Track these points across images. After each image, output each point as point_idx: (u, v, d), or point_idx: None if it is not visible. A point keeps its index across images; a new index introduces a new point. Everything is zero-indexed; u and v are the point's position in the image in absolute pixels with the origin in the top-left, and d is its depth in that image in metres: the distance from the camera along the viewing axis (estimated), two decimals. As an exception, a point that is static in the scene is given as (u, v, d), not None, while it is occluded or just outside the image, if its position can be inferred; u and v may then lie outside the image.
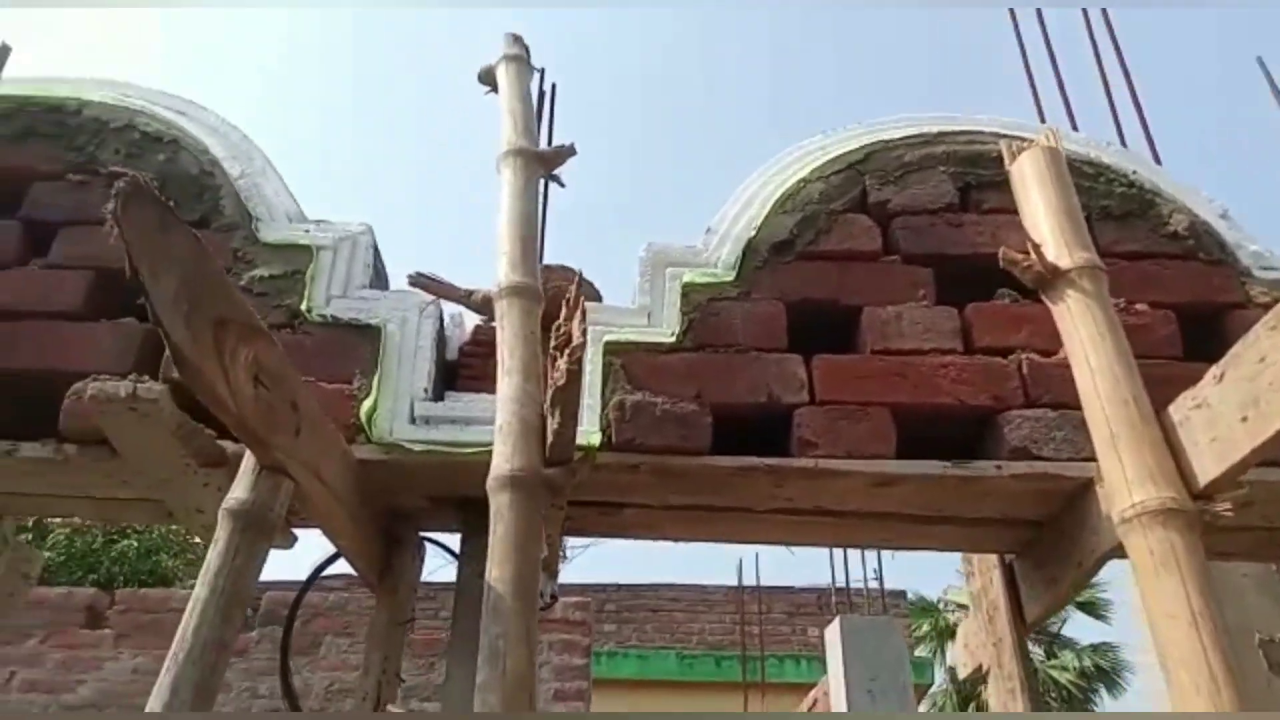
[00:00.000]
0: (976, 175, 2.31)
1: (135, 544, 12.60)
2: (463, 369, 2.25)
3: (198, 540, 10.67)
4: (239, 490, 1.55)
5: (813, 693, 8.86)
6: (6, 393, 2.04)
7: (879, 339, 2.08)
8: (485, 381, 2.23)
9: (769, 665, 11.36)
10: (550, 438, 1.50)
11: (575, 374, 1.33)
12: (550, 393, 1.39)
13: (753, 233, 2.22)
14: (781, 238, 2.22)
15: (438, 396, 2.09)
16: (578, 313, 1.33)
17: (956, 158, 2.34)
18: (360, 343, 2.08)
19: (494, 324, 1.92)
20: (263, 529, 1.54)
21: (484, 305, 1.75)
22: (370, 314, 2.11)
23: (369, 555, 2.09)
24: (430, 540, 2.32)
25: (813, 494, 1.99)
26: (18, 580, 2.50)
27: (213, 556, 1.49)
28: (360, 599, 6.58)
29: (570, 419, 1.44)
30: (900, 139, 2.36)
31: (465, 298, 1.79)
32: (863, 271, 2.18)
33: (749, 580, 11.69)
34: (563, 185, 2.13)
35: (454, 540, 2.39)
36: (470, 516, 2.14)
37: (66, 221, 2.24)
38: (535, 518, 1.49)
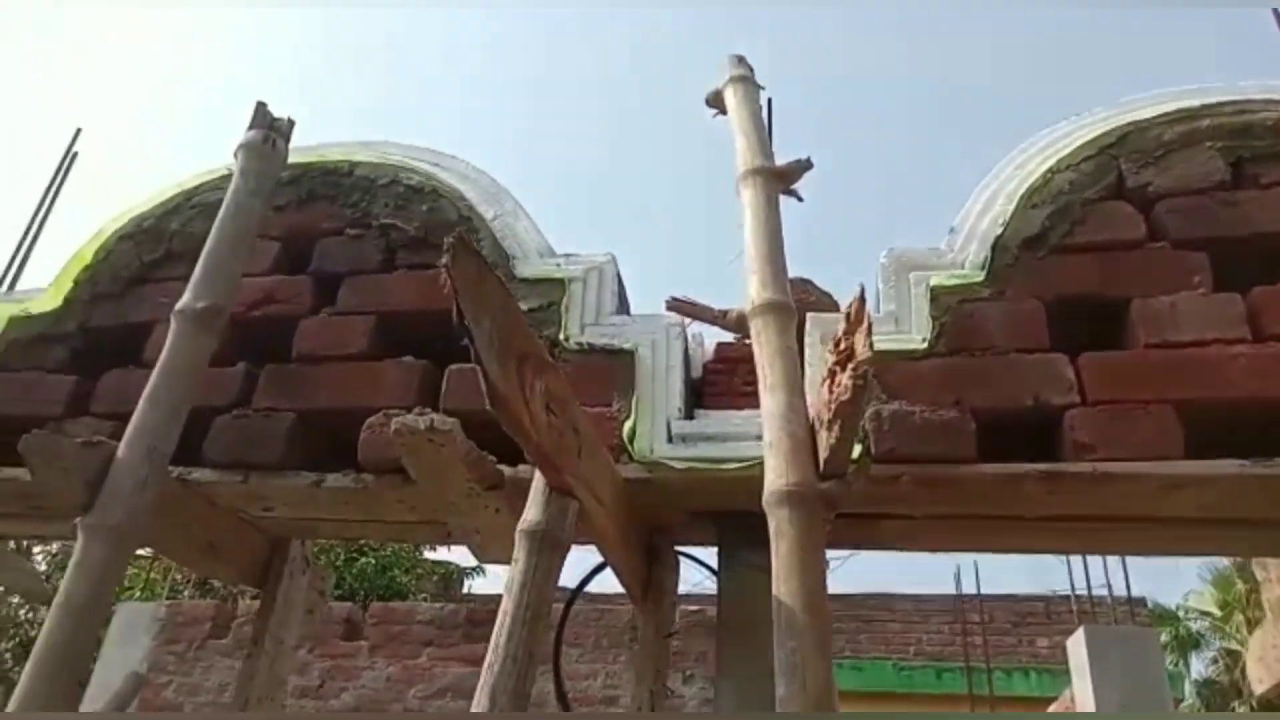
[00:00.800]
0: (1250, 147, 2.13)
1: (373, 561, 13.59)
2: (708, 386, 2.31)
3: (428, 556, 11.40)
4: (532, 512, 1.66)
5: (1052, 708, 8.35)
6: (310, 429, 2.29)
7: (1153, 332, 1.95)
8: (731, 398, 2.28)
9: (995, 678, 10.79)
10: (826, 451, 1.51)
11: (861, 388, 1.34)
12: (834, 406, 1.40)
13: (1000, 230, 2.15)
14: (1032, 232, 2.13)
15: (688, 415, 2.16)
16: (862, 326, 1.34)
17: (1224, 131, 2.17)
18: (615, 366, 2.18)
19: (745, 342, 1.96)
20: (556, 546, 1.64)
21: (738, 324, 1.79)
22: (623, 339, 2.20)
23: (633, 569, 2.18)
24: (685, 555, 2.39)
25: (1090, 500, 1.89)
26: (315, 597, 2.79)
27: (514, 574, 1.61)
28: (585, 611, 6.84)
29: (850, 433, 1.45)
30: (1156, 117, 2.22)
31: (719, 318, 1.84)
32: (1127, 261, 2.06)
33: (968, 588, 11.16)
34: (800, 199, 2.15)
35: (704, 553, 2.46)
36: (727, 531, 2.19)
37: (349, 272, 2.48)
38: (817, 532, 1.51)
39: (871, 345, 1.32)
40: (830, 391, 1.42)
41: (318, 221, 2.60)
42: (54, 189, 3.36)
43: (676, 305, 1.87)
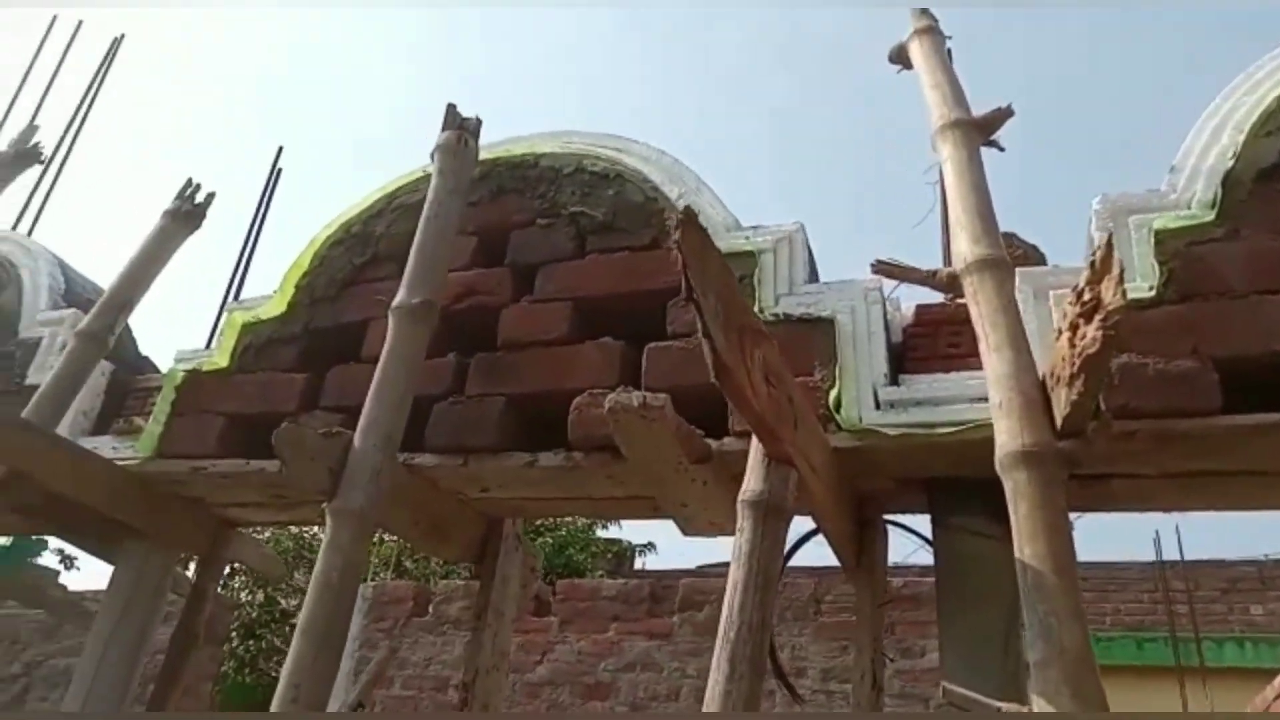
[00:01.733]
0: None
1: (550, 540, 14.07)
2: (909, 351, 2.25)
3: (600, 534, 11.64)
4: (753, 482, 1.68)
5: (1277, 681, 7.70)
6: (519, 412, 2.40)
7: None
8: (935, 362, 2.21)
9: (1205, 648, 10.04)
10: (1066, 409, 1.45)
11: (1111, 339, 1.28)
12: (1077, 361, 1.34)
13: (1230, 163, 1.98)
14: (1269, 163, 1.96)
15: (893, 381, 2.11)
16: (1110, 275, 1.27)
17: None
18: (813, 335, 2.17)
19: (956, 302, 1.90)
20: (780, 514, 1.65)
21: (950, 283, 1.73)
22: (820, 307, 2.18)
23: (846, 539, 2.17)
24: (894, 523, 2.35)
25: (1359, 449, 1.73)
26: (527, 573, 2.92)
27: (740, 543, 1.63)
28: (766, 584, 6.85)
29: (1095, 388, 1.38)
30: None
31: (929, 278, 1.79)
32: (1385, 186, 1.86)
33: (1169, 554, 10.43)
34: (1002, 149, 2.05)
35: (912, 520, 2.41)
36: (939, 497, 2.14)
37: (543, 261, 2.57)
38: (1058, 493, 1.45)
39: (1124, 293, 1.25)
40: (1072, 345, 1.35)
41: (509, 214, 2.70)
42: (264, 202, 3.64)
43: (883, 268, 1.83)
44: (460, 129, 2.58)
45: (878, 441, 2.00)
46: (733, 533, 2.46)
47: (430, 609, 7.83)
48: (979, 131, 1.99)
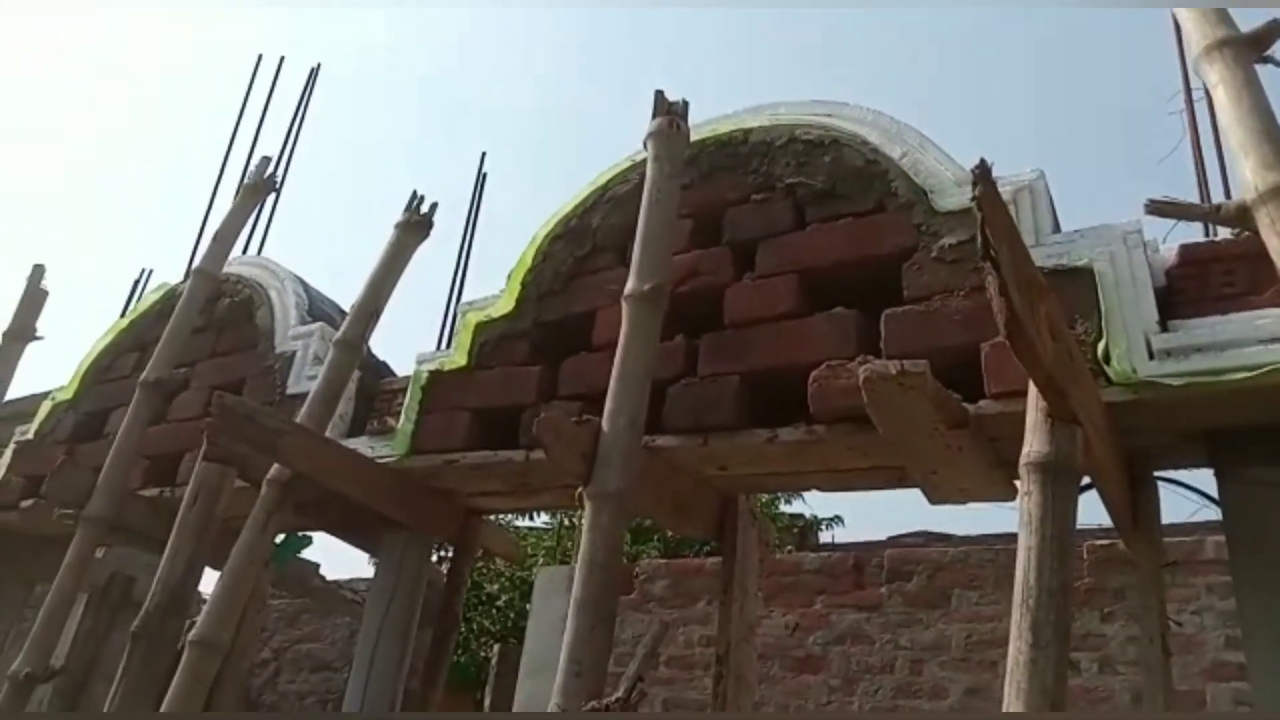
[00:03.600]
0: None
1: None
2: (1175, 295, 2.09)
3: (784, 508, 11.44)
4: (1037, 443, 1.61)
5: None
6: (753, 389, 2.40)
7: None
8: (1206, 304, 2.05)
9: None
10: None
11: None
12: None
13: None
14: None
15: (1163, 328, 1.98)
16: None
17: None
18: (1069, 286, 2.05)
19: (1240, 236, 1.75)
20: (1070, 476, 1.58)
21: (1238, 216, 1.59)
22: (1074, 256, 2.07)
23: (1122, 499, 2.05)
24: (1167, 480, 2.21)
25: None
26: (762, 548, 2.94)
27: (1029, 508, 1.57)
28: (978, 553, 6.60)
29: None
30: None
31: (1212, 213, 1.66)
32: None
33: None
34: (1278, 64, 1.87)
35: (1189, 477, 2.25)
36: (1223, 449, 1.99)
37: (762, 236, 2.57)
38: None
39: None
40: None
41: (723, 193, 2.71)
42: (474, 207, 3.82)
43: (1158, 207, 1.70)
44: (669, 113, 2.60)
45: (1157, 394, 1.87)
46: (983, 499, 2.39)
47: (635, 587, 8.05)
48: (1252, 48, 1.82)
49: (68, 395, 4.09)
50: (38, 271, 4.36)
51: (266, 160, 3.99)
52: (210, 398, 3.49)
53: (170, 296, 4.04)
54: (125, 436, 3.32)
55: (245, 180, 3.91)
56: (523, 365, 2.83)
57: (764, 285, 2.49)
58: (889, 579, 6.86)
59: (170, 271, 4.54)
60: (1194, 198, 2.45)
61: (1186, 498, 2.20)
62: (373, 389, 3.35)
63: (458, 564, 3.16)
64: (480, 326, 2.98)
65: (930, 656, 6.45)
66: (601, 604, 2.05)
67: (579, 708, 1.91)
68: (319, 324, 3.44)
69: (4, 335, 4.24)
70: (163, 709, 2.29)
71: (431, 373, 3.00)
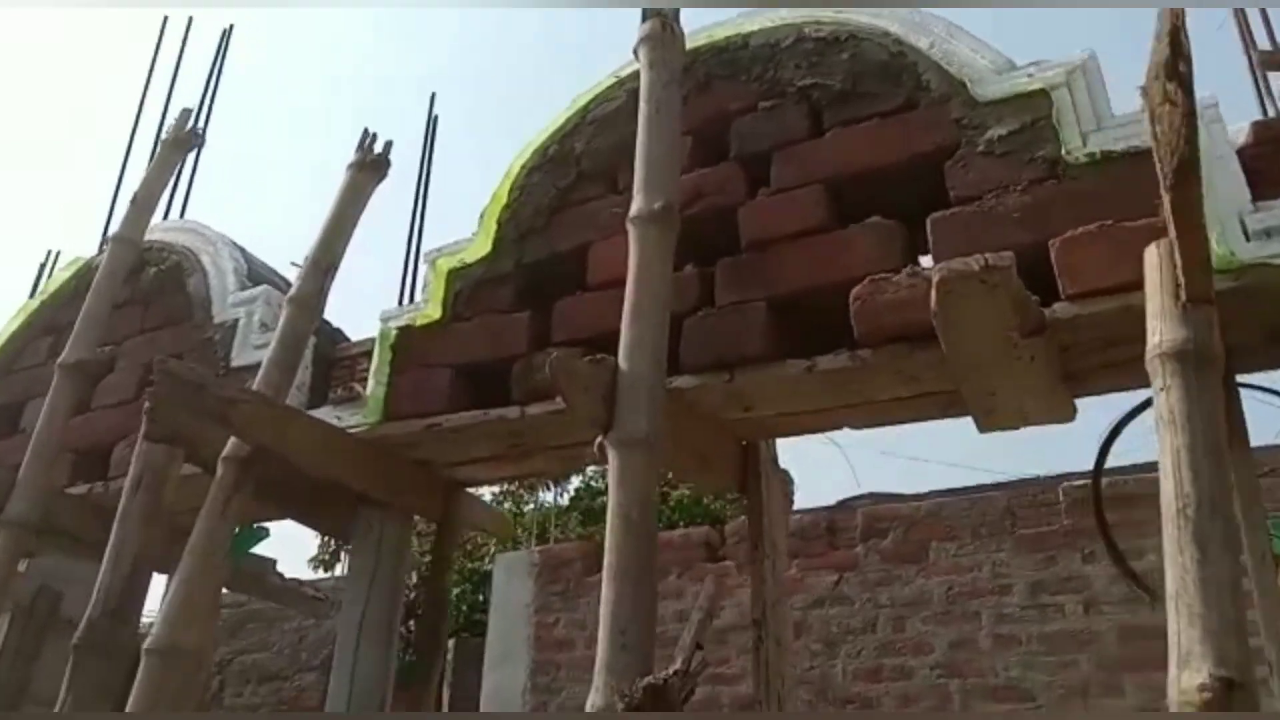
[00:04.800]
0: None
1: (686, 494, 13.95)
2: (1254, 175, 1.89)
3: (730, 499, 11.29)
4: (1169, 332, 1.38)
5: None
6: (780, 316, 2.14)
7: None
8: (1287, 182, 1.85)
9: None
10: None
11: None
12: None
13: None
14: None
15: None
16: None
17: None
18: (1142, 171, 1.82)
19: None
20: (1213, 365, 1.35)
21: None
22: (1144, 136, 1.84)
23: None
24: (1249, 385, 2.01)
25: None
26: (784, 500, 2.69)
27: (1172, 403, 1.34)
28: (952, 504, 6.50)
29: None
30: None
31: (1335, 60, 1.43)
32: None
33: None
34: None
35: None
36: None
37: (775, 147, 2.29)
38: None
39: None
40: None
41: (724, 104, 2.42)
42: (427, 150, 3.46)
43: (1271, 58, 1.47)
44: (659, 15, 2.31)
45: (1259, 279, 1.66)
46: (1040, 421, 2.17)
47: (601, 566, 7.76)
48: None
49: (-29, 390, 3.62)
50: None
51: (187, 113, 3.56)
52: (143, 377, 3.09)
53: (86, 272, 3.59)
54: (46, 427, 2.90)
55: (165, 136, 3.47)
56: (508, 313, 2.51)
57: (783, 200, 2.22)
58: (864, 537, 6.71)
59: (81, 250, 4.06)
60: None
61: (1269, 404, 2.02)
62: (329, 355, 2.99)
63: (441, 544, 2.83)
64: (454, 274, 2.64)
65: (912, 613, 6.32)
66: (642, 565, 1.76)
67: (632, 685, 1.62)
68: (263, 288, 3.06)
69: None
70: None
71: (401, 329, 2.66)
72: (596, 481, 13.64)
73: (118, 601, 2.18)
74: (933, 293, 1.65)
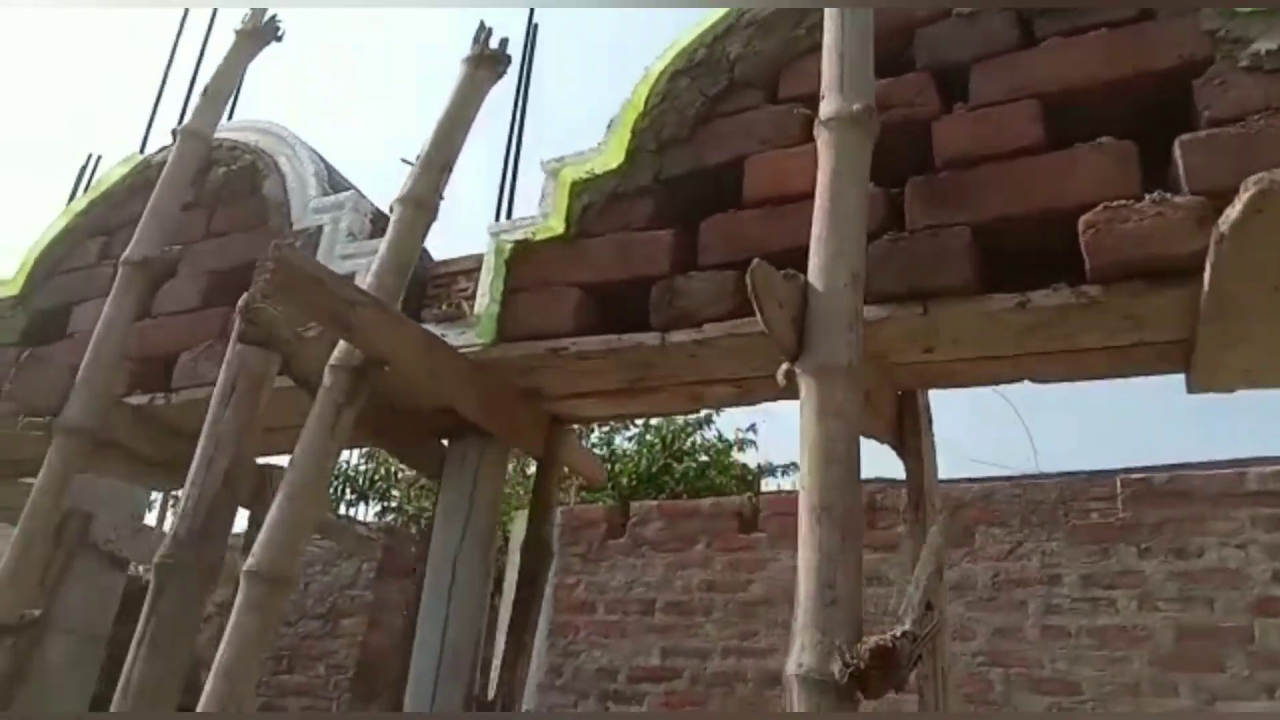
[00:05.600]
0: None
1: (693, 465, 13.75)
2: None
3: (738, 458, 11.14)
4: None
5: None
6: (982, 244, 1.88)
7: None
8: None
9: None
10: None
11: None
12: None
13: None
14: None
15: None
16: None
17: None
18: None
19: None
20: None
21: None
22: None
23: None
24: None
25: None
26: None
27: None
28: (1003, 489, 6.29)
29: None
30: None
31: None
32: None
33: None
34: None
35: None
36: None
37: (976, 58, 2.03)
38: None
39: None
40: None
41: (908, 11, 2.15)
42: (525, 65, 3.17)
43: None
44: (851, -98, 2.02)
45: None
46: (1261, 386, 1.92)
47: (626, 530, 7.55)
48: None
49: (11, 291, 3.34)
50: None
51: (262, 10, 3.26)
52: (209, 285, 2.82)
53: (143, 169, 3.31)
54: (108, 327, 2.63)
55: (240, 26, 3.17)
56: (646, 230, 2.25)
57: (988, 116, 1.96)
58: (905, 517, 6.51)
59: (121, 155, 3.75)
60: None
61: None
62: (422, 274, 2.72)
63: (545, 484, 2.58)
64: (580, 186, 2.37)
65: (954, 597, 6.11)
66: (849, 509, 1.53)
67: (849, 641, 1.38)
68: (350, 193, 2.79)
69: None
70: (224, 650, 1.68)
71: (517, 244, 2.39)
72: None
73: (205, 518, 1.93)
74: (1236, 209, 1.39)
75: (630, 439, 12.09)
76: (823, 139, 1.82)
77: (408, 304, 2.64)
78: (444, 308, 2.45)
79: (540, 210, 2.44)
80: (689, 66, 2.35)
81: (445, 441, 2.64)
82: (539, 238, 2.36)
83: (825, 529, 1.49)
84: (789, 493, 7.79)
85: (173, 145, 2.96)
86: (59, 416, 2.50)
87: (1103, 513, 5.98)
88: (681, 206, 2.24)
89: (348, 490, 13.26)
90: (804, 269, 2.00)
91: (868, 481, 7.82)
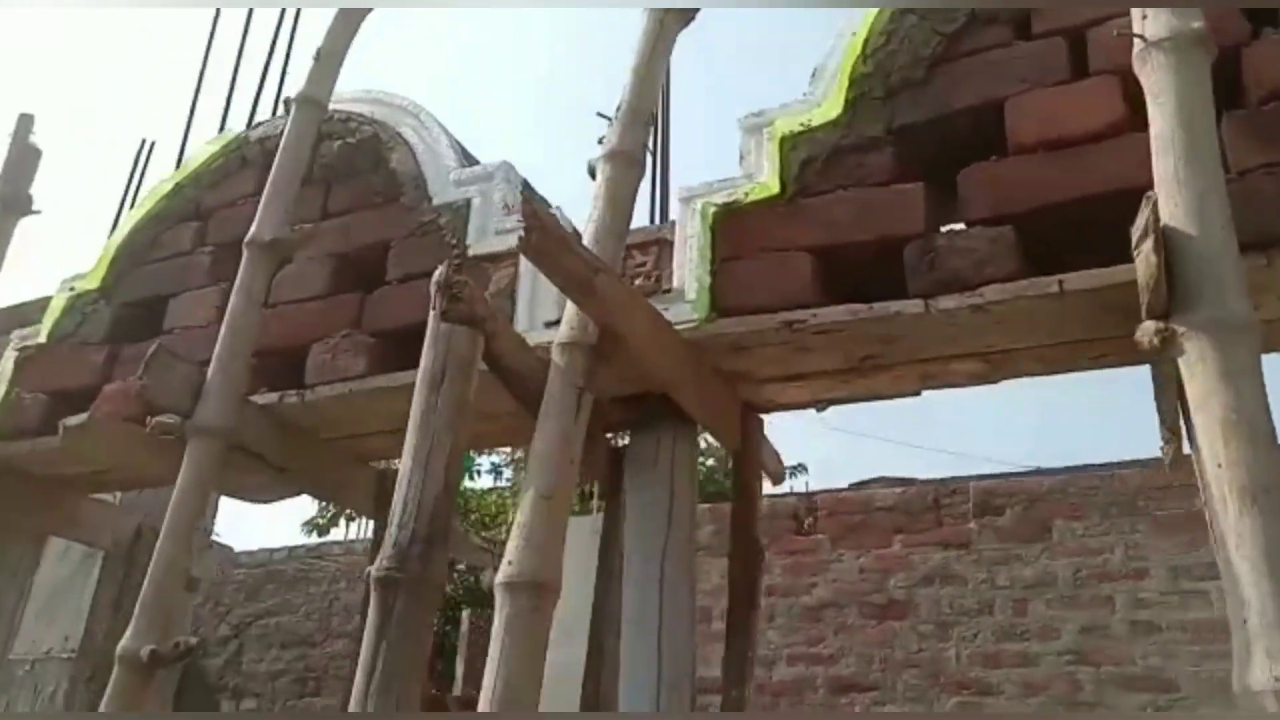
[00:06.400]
0: None
1: (712, 461, 13.48)
2: None
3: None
4: None
5: None
6: None
7: None
8: None
9: None
10: None
11: None
12: None
13: None
14: None
15: None
16: None
17: None
18: None
19: None
20: None
21: None
22: None
23: None
24: None
25: None
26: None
27: None
28: (1080, 480, 6.09)
29: None
30: None
31: None
32: None
33: None
34: None
35: None
36: None
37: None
38: None
39: None
40: None
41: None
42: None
43: None
44: None
45: None
46: None
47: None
48: None
49: (92, 284, 3.01)
50: (25, 122, 3.22)
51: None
52: (336, 269, 2.53)
53: (238, 146, 3.00)
54: (238, 316, 2.32)
55: (347, -13, 2.87)
56: (889, 184, 1.99)
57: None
58: (978, 513, 6.29)
59: (171, 145, 3.44)
60: None
61: None
62: (586, 248, 2.44)
63: (747, 479, 2.31)
64: (794, 139, 2.11)
65: (1034, 595, 5.90)
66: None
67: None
68: (501, 162, 2.50)
69: (-12, 206, 3.11)
70: (495, 678, 1.39)
71: (723, 207, 2.12)
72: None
73: (429, 524, 1.63)
74: None
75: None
76: (1154, 64, 1.57)
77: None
78: (643, 280, 2.18)
79: (742, 171, 2.17)
80: (917, 2, 2.10)
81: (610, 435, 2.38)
82: (749, 199, 2.10)
83: (1269, 514, 1.24)
84: (840, 491, 7.54)
85: (288, 114, 2.66)
86: (192, 417, 2.19)
87: (1187, 502, 5.80)
88: (926, 157, 1.99)
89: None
90: (1088, 221, 1.76)
91: (927, 482, 7.61)
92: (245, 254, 2.40)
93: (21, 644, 3.50)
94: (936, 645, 6.10)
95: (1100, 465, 6.40)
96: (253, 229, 2.43)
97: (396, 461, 2.37)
